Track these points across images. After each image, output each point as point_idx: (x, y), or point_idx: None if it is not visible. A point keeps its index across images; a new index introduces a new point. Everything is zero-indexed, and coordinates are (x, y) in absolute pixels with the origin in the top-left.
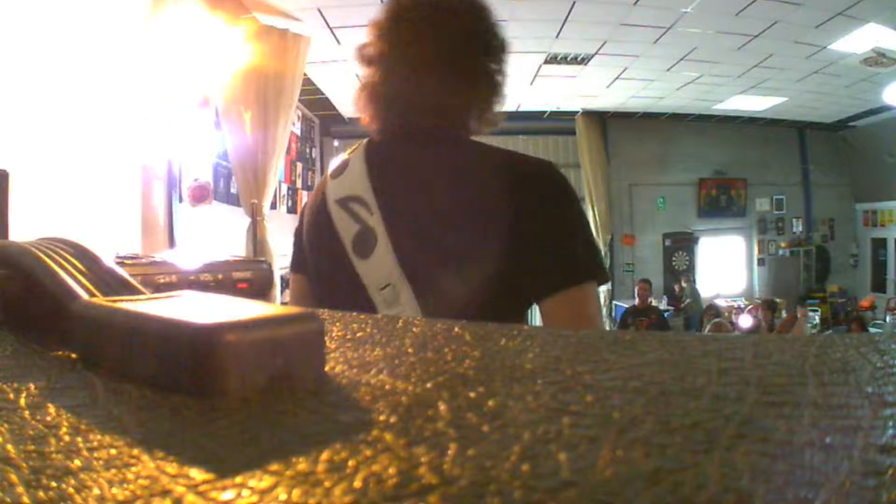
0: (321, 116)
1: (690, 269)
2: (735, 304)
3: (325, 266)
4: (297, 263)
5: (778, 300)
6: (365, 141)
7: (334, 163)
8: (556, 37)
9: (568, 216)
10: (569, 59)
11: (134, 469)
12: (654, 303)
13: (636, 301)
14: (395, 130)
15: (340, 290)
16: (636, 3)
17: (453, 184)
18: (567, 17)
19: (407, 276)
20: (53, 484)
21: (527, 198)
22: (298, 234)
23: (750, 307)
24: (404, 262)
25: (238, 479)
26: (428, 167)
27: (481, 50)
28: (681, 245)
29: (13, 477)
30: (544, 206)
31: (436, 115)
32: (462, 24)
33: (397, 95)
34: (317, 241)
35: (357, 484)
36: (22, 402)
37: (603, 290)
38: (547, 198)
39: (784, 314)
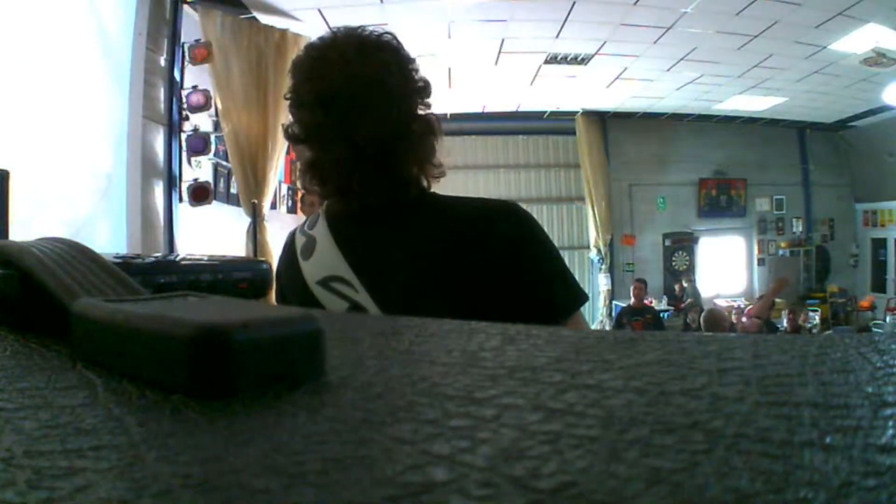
0: None
1: (691, 269)
2: (735, 304)
3: None
4: None
5: (778, 300)
6: (321, 213)
7: (299, 241)
8: (556, 37)
9: (544, 253)
10: (569, 59)
11: (134, 469)
12: (653, 303)
13: (632, 301)
14: (348, 196)
15: None
16: (636, 3)
17: (426, 248)
18: (567, 17)
19: None
20: (54, 484)
21: (501, 246)
22: (282, 303)
23: (749, 307)
24: None
25: (238, 480)
26: (398, 234)
27: (408, 94)
28: (681, 245)
29: (14, 477)
30: (519, 249)
31: (385, 177)
32: (365, 70)
33: (339, 168)
34: None
35: (357, 484)
36: (22, 402)
37: (603, 290)
38: (518, 239)
39: (784, 314)
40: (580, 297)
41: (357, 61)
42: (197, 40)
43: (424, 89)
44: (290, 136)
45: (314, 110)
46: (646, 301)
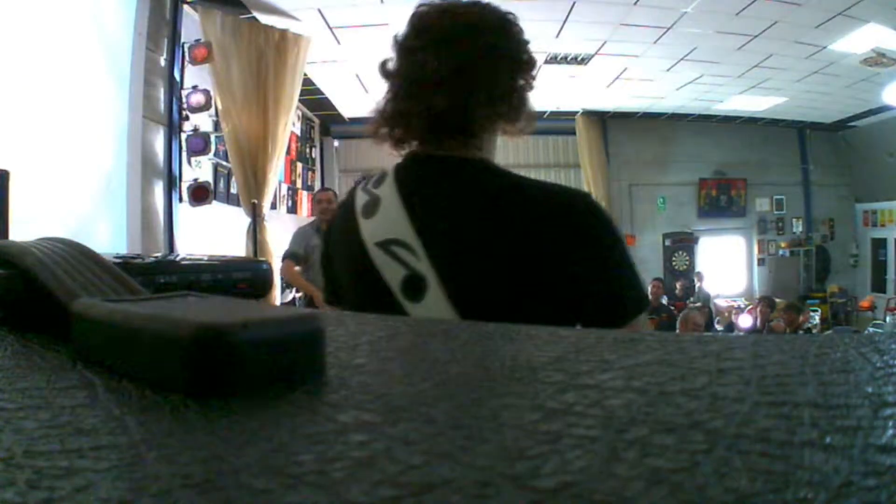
0: (321, 116)
1: (691, 270)
2: (735, 304)
3: (369, 305)
4: (332, 295)
5: (777, 300)
6: (391, 171)
7: (360, 198)
8: (556, 37)
9: (614, 251)
10: (569, 59)
11: (134, 469)
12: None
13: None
14: (421, 157)
15: None
16: (636, 3)
17: (499, 226)
18: (567, 17)
19: (462, 318)
20: (54, 484)
21: (574, 236)
22: (328, 272)
23: (749, 307)
24: (458, 305)
25: (238, 480)
26: (468, 204)
27: (507, 66)
28: (681, 245)
29: (14, 477)
30: (594, 244)
31: (461, 137)
32: (487, 40)
33: (419, 115)
34: (357, 282)
35: (357, 485)
36: (22, 402)
37: None
38: (594, 235)
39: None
40: (643, 302)
41: (482, 27)
42: (197, 40)
43: (526, 63)
44: (383, 73)
45: (411, 49)
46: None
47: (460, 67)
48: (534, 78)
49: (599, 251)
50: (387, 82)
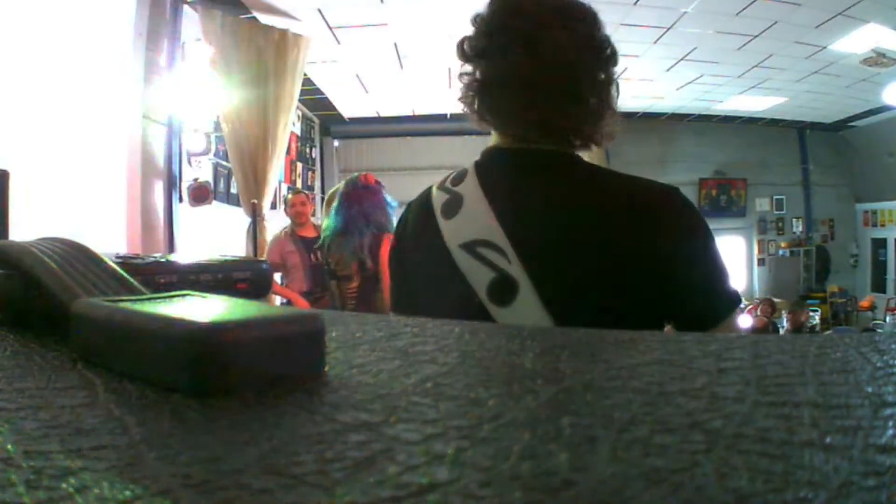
0: (321, 116)
1: None
2: None
3: (452, 313)
4: (404, 304)
5: (777, 300)
6: (472, 168)
7: (438, 198)
8: None
9: (708, 248)
10: None
11: (134, 469)
12: None
13: None
14: (504, 151)
15: None
16: (636, 3)
17: (590, 217)
18: None
19: (556, 324)
20: (54, 484)
21: (668, 233)
22: (400, 277)
23: (749, 307)
24: (551, 308)
25: (238, 480)
26: (558, 199)
27: (597, 60)
28: None
29: (14, 477)
30: (686, 243)
31: (547, 132)
32: (582, 30)
33: (507, 103)
34: (438, 288)
35: (357, 485)
36: (22, 402)
37: None
38: (686, 233)
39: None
40: (736, 300)
41: (566, 12)
42: (198, 40)
43: (612, 58)
44: (470, 51)
45: (503, 32)
46: None
47: (554, 58)
48: (617, 75)
49: (696, 248)
50: (466, 62)
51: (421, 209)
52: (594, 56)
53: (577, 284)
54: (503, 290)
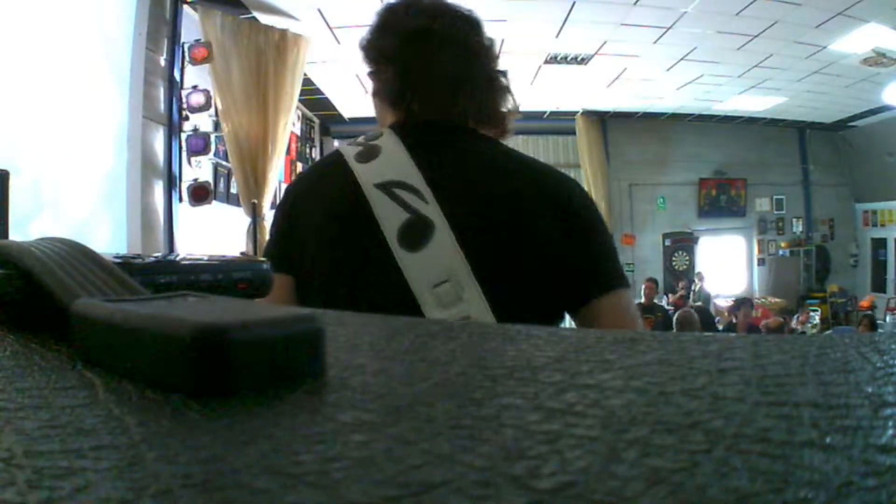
0: (321, 116)
1: (691, 270)
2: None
3: (347, 262)
4: (284, 261)
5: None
6: (387, 129)
7: (350, 149)
8: (556, 37)
9: (605, 232)
10: (569, 59)
11: (134, 469)
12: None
13: (642, 300)
14: (419, 121)
15: (370, 290)
16: (636, 3)
17: (501, 179)
18: (567, 17)
19: (474, 269)
20: (54, 484)
21: (572, 212)
22: (285, 228)
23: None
24: (467, 251)
25: (238, 480)
26: (473, 158)
27: (491, 57)
28: (681, 245)
29: (14, 477)
30: (587, 223)
31: (455, 114)
32: (483, 34)
33: (417, 96)
34: (337, 232)
35: (357, 485)
36: (22, 402)
37: None
38: (587, 215)
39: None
40: (625, 280)
41: (458, 27)
42: (197, 40)
43: (497, 57)
44: (376, 53)
45: (407, 36)
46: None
47: (457, 55)
48: (499, 66)
49: (589, 228)
50: (373, 64)
51: (323, 164)
52: (492, 55)
53: (492, 229)
54: (415, 232)
